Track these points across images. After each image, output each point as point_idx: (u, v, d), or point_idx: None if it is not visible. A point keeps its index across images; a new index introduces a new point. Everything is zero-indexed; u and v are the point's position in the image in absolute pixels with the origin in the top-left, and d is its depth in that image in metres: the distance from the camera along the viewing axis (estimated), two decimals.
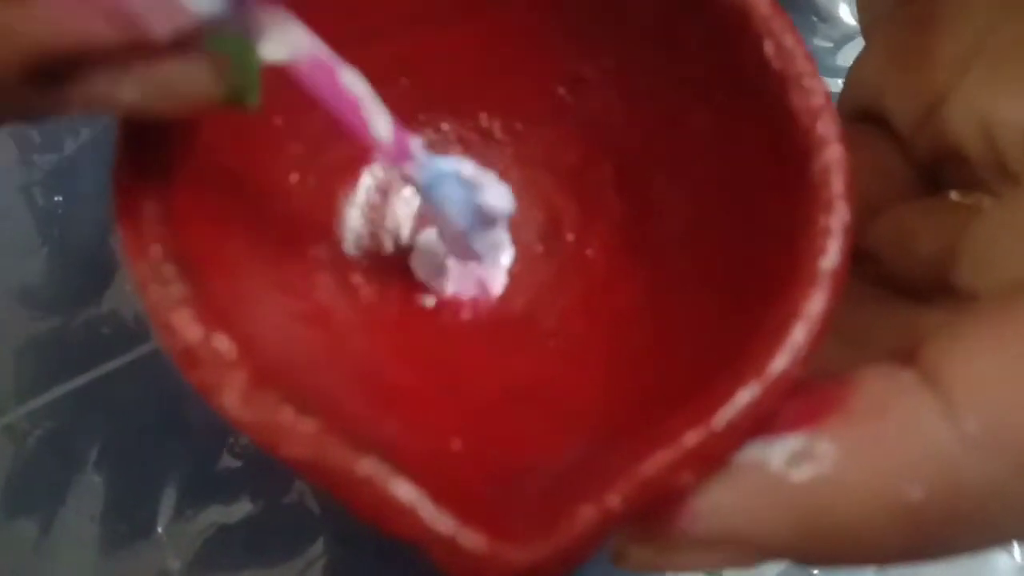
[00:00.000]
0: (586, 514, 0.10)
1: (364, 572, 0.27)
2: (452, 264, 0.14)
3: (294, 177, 0.14)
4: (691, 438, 0.10)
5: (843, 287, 0.12)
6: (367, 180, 0.15)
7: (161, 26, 0.09)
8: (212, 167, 0.12)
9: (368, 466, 0.10)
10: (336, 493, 0.10)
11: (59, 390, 0.28)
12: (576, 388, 0.13)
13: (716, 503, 0.11)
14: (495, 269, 0.15)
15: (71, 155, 0.31)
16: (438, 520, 0.10)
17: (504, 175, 0.15)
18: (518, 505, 0.10)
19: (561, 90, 0.15)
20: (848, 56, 0.32)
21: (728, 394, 0.11)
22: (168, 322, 0.10)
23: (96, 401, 0.28)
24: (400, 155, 0.12)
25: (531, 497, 0.11)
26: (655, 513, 0.11)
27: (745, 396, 0.11)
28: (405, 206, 0.15)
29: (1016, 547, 0.28)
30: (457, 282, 0.15)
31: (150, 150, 0.11)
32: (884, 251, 0.17)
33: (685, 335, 0.13)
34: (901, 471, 0.10)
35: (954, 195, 0.17)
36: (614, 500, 0.10)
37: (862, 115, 0.19)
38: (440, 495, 0.10)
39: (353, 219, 0.15)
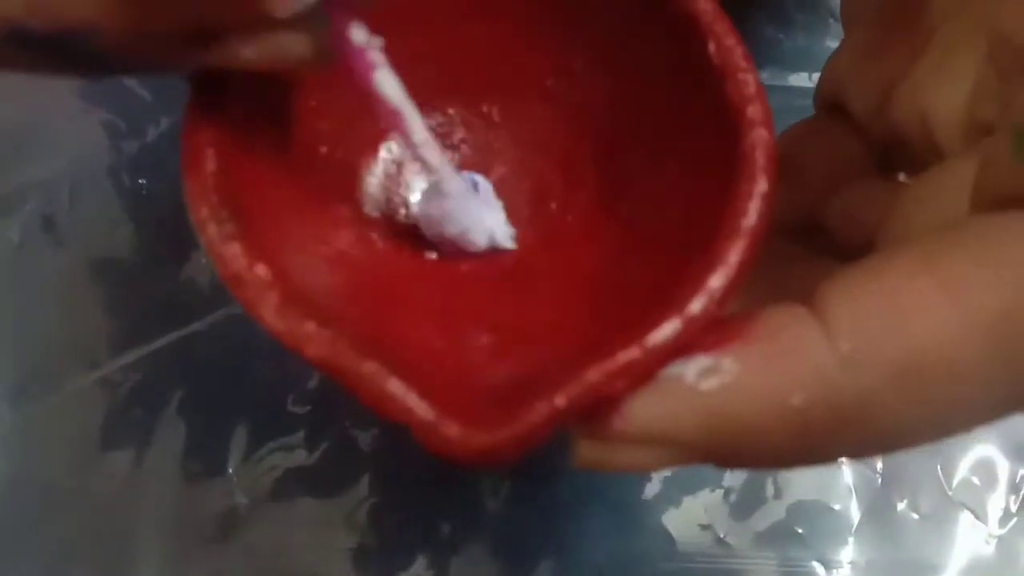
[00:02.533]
0: (539, 409, 0.13)
1: (403, 507, 0.30)
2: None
3: (323, 149, 0.17)
4: (625, 355, 0.13)
5: (759, 245, 0.14)
6: (384, 154, 0.18)
7: (283, 9, 0.12)
8: (260, 137, 0.15)
9: (370, 366, 0.13)
10: (345, 386, 0.13)
11: (146, 348, 0.31)
12: (548, 324, 0.16)
13: (643, 407, 0.13)
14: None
15: (153, 141, 0.34)
16: (422, 409, 0.13)
17: (500, 152, 0.18)
18: (488, 403, 0.13)
19: (550, 80, 0.18)
20: None
21: (656, 324, 0.13)
22: (221, 253, 0.13)
23: (177, 358, 0.31)
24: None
25: (499, 397, 0.14)
26: (596, 414, 0.13)
27: (669, 327, 0.13)
28: (416, 177, 0.18)
29: (989, 515, 0.29)
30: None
31: (212, 120, 0.14)
32: (836, 226, 0.19)
33: (640, 284, 0.16)
34: (786, 382, 0.13)
35: (902, 177, 0.19)
36: (561, 400, 0.13)
37: (830, 105, 0.20)
38: (426, 393, 0.13)
39: (372, 186, 0.18)
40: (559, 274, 0.17)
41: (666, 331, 0.13)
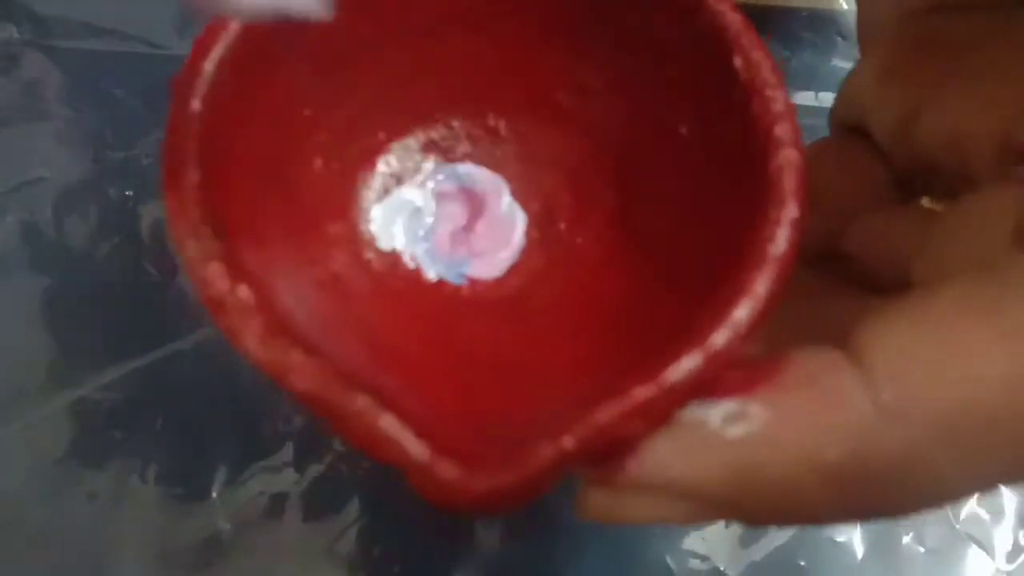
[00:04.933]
0: (545, 451, 0.12)
1: (393, 532, 0.29)
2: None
3: (318, 162, 0.16)
4: (640, 393, 0.12)
5: (788, 274, 0.13)
6: (383, 168, 0.17)
7: None
8: (249, 149, 0.14)
9: (361, 401, 0.12)
10: (333, 423, 0.12)
11: (127, 366, 0.30)
12: (556, 360, 0.15)
13: (660, 452, 0.12)
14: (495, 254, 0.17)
15: (140, 152, 0.33)
16: (417, 449, 0.11)
17: (506, 168, 0.17)
18: (489, 445, 0.12)
19: (562, 95, 0.17)
20: None
21: (675, 359, 0.12)
22: (202, 274, 0.12)
23: (160, 378, 0.30)
24: None
25: (501, 440, 0.12)
26: (607, 458, 0.12)
27: (690, 362, 0.12)
28: (417, 190, 0.17)
29: (996, 549, 0.28)
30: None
31: (196, 130, 0.13)
32: (858, 252, 0.18)
33: (659, 316, 0.15)
34: (821, 434, 0.12)
35: (926, 201, 0.18)
36: (570, 442, 0.12)
37: (849, 127, 0.20)
38: (422, 432, 0.12)
39: (369, 202, 0.17)
40: (570, 302, 0.16)
41: (686, 366, 0.12)
